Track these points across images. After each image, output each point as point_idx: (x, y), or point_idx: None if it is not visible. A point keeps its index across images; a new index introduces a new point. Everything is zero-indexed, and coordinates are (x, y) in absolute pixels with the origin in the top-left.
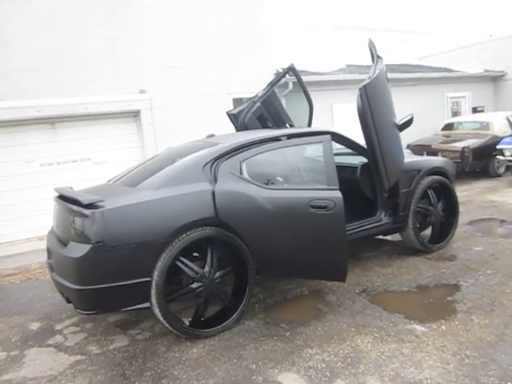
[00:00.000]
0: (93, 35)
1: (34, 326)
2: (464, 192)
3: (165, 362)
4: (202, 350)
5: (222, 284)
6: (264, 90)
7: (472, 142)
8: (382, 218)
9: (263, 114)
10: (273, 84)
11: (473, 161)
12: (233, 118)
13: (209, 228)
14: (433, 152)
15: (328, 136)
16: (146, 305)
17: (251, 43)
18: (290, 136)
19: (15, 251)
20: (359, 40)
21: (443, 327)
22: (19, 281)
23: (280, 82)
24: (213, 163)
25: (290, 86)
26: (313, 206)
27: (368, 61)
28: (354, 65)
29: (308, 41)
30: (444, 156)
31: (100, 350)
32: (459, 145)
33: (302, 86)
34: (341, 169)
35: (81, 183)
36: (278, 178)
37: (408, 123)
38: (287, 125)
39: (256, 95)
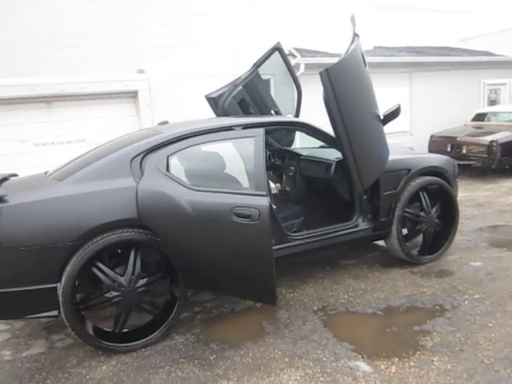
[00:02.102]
0: (90, 10)
1: None
2: (486, 192)
3: (66, 380)
4: (111, 368)
5: (147, 293)
6: (248, 71)
7: (502, 136)
8: (360, 223)
9: (245, 98)
10: (257, 65)
11: (501, 157)
12: (212, 102)
13: (130, 230)
14: (457, 145)
15: (261, 130)
16: (54, 313)
17: (262, 22)
18: (246, 126)
19: None
20: (396, 20)
21: (392, 368)
22: None
23: (292, 65)
24: (144, 156)
25: (302, 68)
26: (236, 214)
27: (399, 42)
28: (383, 47)
29: (342, 22)
30: (469, 150)
31: (12, 357)
32: (487, 138)
33: (289, 69)
34: (315, 164)
35: None
36: (206, 178)
37: (393, 114)
38: (272, 111)
39: (239, 77)
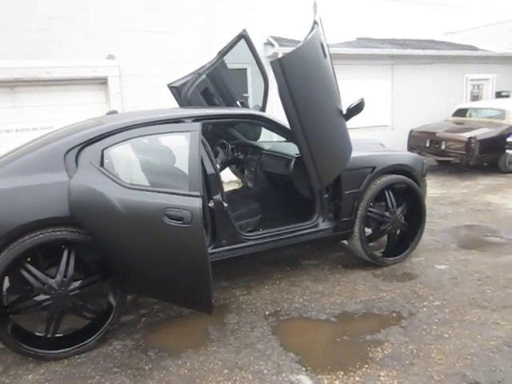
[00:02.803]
0: None
1: None
2: (463, 189)
3: None
4: (38, 377)
5: (81, 296)
6: (213, 60)
7: (481, 132)
8: (320, 223)
9: (208, 88)
10: (222, 54)
11: (479, 154)
12: (175, 91)
13: (62, 229)
14: (436, 140)
15: (197, 124)
16: None
17: (238, 9)
18: (196, 119)
19: None
20: (383, 11)
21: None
22: None
23: (269, 54)
24: (80, 149)
25: None
26: (168, 216)
27: (385, 34)
28: (367, 38)
29: (325, 11)
30: (448, 146)
31: None
32: (466, 134)
33: (255, 58)
34: (275, 159)
35: None
36: (141, 174)
37: (357, 109)
38: (238, 102)
39: (203, 66)
